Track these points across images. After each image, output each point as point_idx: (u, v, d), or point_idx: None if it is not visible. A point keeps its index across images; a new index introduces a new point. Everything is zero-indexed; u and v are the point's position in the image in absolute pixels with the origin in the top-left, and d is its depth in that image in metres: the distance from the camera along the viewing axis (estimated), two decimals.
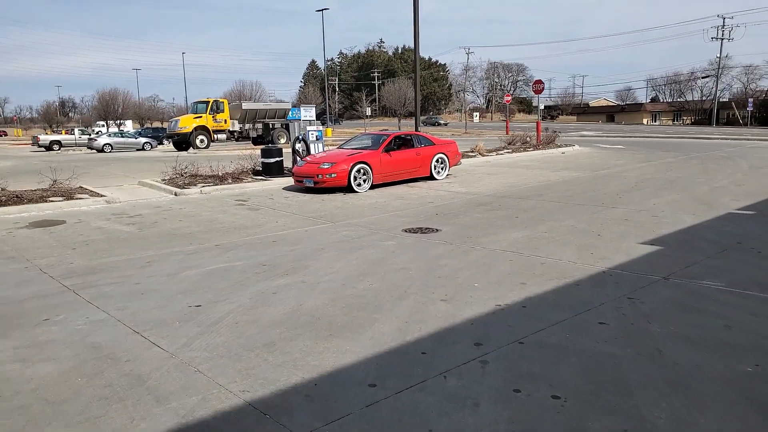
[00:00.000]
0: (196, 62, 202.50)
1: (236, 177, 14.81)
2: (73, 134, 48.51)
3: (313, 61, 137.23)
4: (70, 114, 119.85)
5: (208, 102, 33.80)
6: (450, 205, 11.10)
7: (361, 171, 13.22)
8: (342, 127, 76.10)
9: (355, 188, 13.08)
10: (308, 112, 16.42)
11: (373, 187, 13.55)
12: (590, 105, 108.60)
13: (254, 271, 6.68)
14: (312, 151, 15.84)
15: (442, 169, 15.21)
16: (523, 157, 21.13)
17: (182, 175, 14.77)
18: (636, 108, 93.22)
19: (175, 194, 13.12)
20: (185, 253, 7.72)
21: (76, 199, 12.11)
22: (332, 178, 12.89)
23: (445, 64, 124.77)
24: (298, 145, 15.76)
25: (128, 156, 30.82)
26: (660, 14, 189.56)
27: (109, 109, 74.65)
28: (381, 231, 8.85)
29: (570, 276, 6.09)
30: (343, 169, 12.95)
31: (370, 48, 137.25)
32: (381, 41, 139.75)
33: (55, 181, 12.96)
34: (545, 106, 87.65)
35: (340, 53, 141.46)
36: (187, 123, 32.82)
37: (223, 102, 34.44)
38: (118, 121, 77.60)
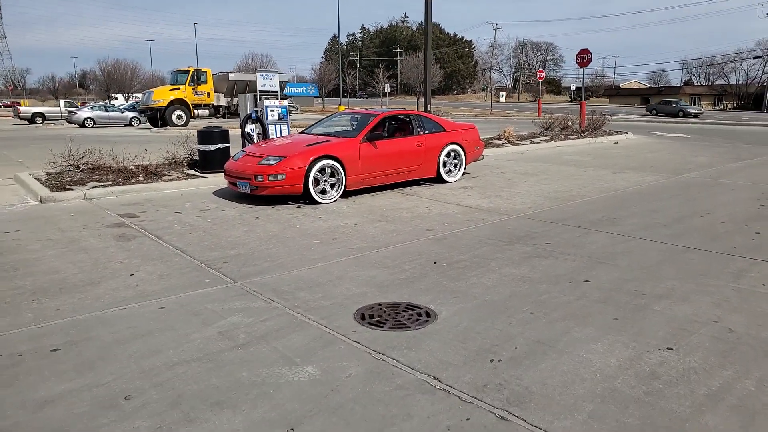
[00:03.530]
0: (216, 36, 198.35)
1: (152, 172, 10.18)
2: (59, 106, 44.55)
3: (335, 37, 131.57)
4: (91, 86, 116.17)
5: (189, 71, 28.85)
6: (462, 239, 6.38)
7: (327, 170, 8.49)
8: (366, 103, 70.80)
9: (317, 197, 8.38)
10: (269, 81, 11.66)
11: (346, 194, 8.86)
12: (621, 87, 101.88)
13: None
14: (272, 135, 11.16)
15: (454, 167, 10.41)
16: (566, 146, 16.17)
17: (77, 168, 10.21)
18: (674, 91, 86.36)
19: (41, 200, 8.56)
20: None
21: None
22: (279, 182, 8.18)
23: (470, 41, 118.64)
24: (249, 127, 11.07)
25: (101, 133, 26.26)
26: None
27: (111, 80, 70.56)
28: (311, 316, 4.20)
29: None
30: (296, 167, 8.22)
31: (393, 23, 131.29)
32: (405, 16, 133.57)
33: None
34: (576, 87, 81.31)
35: (362, 28, 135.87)
36: (161, 96, 27.64)
37: (206, 72, 29.28)
38: (126, 94, 73.46)
